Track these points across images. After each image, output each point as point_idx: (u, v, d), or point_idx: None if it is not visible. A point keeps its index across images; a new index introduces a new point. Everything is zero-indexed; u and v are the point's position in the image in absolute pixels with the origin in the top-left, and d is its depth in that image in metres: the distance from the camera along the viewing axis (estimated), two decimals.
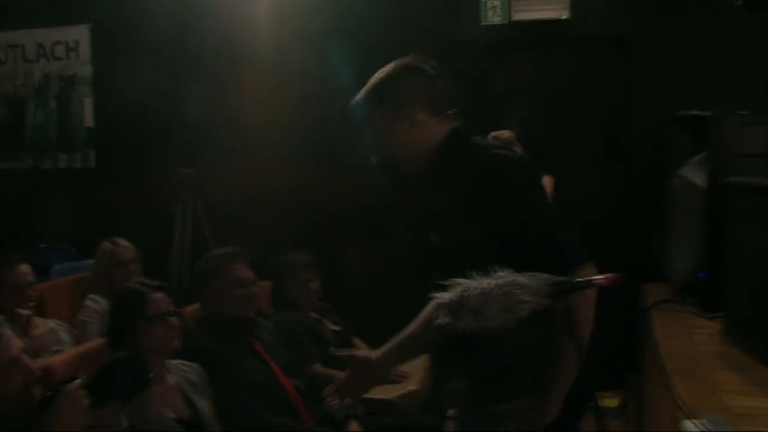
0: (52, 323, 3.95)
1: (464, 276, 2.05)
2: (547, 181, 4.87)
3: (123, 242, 4.35)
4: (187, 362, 3.12)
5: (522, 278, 1.98)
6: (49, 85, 6.55)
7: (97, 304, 4.15)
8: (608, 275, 1.89)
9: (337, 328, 4.25)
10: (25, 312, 3.68)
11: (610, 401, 4.67)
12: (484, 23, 5.31)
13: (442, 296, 2.01)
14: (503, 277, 1.98)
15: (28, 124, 6.65)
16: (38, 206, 6.44)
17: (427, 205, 2.44)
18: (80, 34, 6.40)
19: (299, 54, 5.55)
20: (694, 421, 1.94)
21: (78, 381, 2.14)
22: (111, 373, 2.24)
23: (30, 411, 2.12)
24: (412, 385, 3.90)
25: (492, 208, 2.19)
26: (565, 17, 5.10)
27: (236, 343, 3.33)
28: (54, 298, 4.33)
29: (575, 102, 5.33)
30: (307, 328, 4.03)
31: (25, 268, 3.84)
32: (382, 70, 2.40)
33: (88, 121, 6.42)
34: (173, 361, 3.06)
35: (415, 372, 4.00)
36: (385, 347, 2.42)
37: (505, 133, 4.84)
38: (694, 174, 3.19)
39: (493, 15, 5.28)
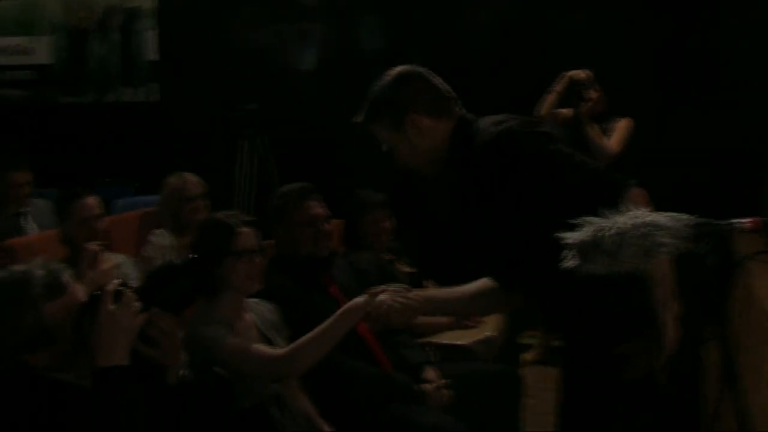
0: (120, 258, 3.86)
1: (530, 257, 1.93)
2: (624, 125, 4.65)
3: (191, 177, 4.24)
4: (262, 300, 2.99)
5: (662, 218, 1.80)
6: (113, 17, 6.42)
7: (161, 239, 4.06)
8: (753, 218, 1.70)
9: (410, 270, 4.10)
10: (93, 248, 3.57)
11: None
12: None
13: (572, 235, 1.86)
14: (640, 216, 1.81)
15: (91, 58, 6.55)
16: (101, 141, 6.39)
17: (460, 206, 2.38)
18: None
19: None
20: None
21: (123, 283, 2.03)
22: (164, 280, 2.09)
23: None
24: (488, 331, 3.75)
25: (518, 183, 2.14)
26: None
27: (310, 282, 3.19)
28: (119, 233, 4.23)
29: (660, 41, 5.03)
30: (379, 268, 3.88)
31: (92, 200, 3.74)
32: (375, 85, 2.37)
33: (152, 54, 6.31)
34: (249, 299, 2.94)
35: (491, 318, 3.84)
36: (430, 294, 2.59)
37: (582, 73, 4.62)
38: None
39: None
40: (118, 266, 3.80)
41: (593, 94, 4.58)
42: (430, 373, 3.28)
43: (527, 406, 3.50)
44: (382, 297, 2.50)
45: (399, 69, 2.37)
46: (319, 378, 3.00)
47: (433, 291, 2.70)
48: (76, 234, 3.68)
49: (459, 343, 3.64)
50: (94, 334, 1.96)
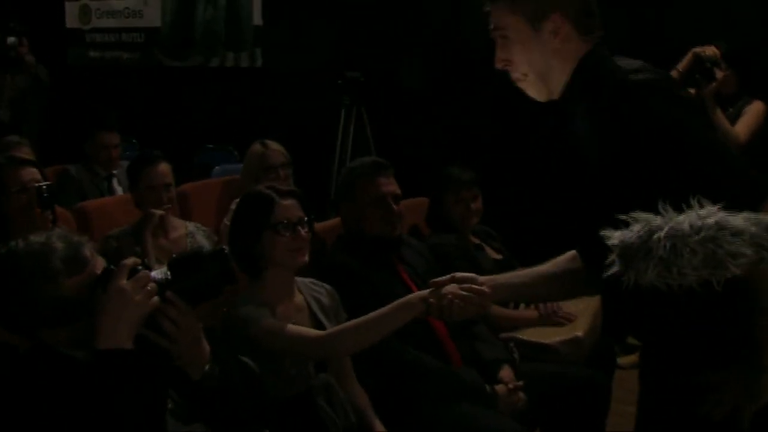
0: (191, 226, 3.72)
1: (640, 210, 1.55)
2: (756, 108, 4.18)
3: (274, 145, 4.07)
4: (319, 282, 2.77)
5: (736, 220, 1.44)
6: None
7: None
8: None
9: (499, 256, 3.77)
10: (159, 212, 3.43)
11: None
12: None
13: (615, 235, 1.52)
14: (706, 215, 1.45)
15: (198, 22, 6.50)
16: (205, 105, 6.35)
17: (564, 140, 1.96)
18: None
19: None
20: None
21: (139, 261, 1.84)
22: (187, 267, 1.87)
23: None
24: (578, 331, 3.35)
25: (641, 148, 1.70)
26: None
27: (376, 264, 2.94)
28: (201, 200, 4.13)
29: None
30: (464, 253, 3.57)
31: (164, 168, 3.59)
32: None
33: (257, 19, 6.20)
34: (303, 279, 2.71)
35: (582, 315, 3.45)
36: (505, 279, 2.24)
37: (709, 50, 4.15)
38: None
39: None
40: (191, 234, 3.67)
41: (720, 74, 4.12)
42: (505, 372, 2.99)
43: (623, 414, 3.11)
44: (447, 289, 2.19)
45: None
46: (378, 368, 2.77)
47: (505, 276, 2.30)
48: (144, 200, 3.56)
49: (542, 341, 3.29)
50: (98, 310, 1.79)
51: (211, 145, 6.17)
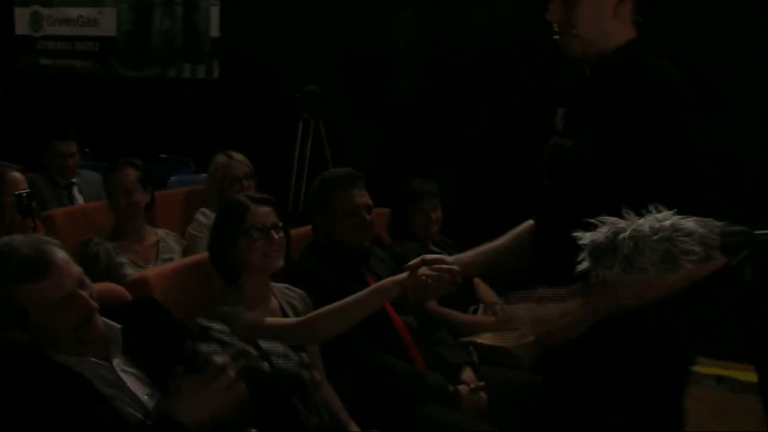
0: (161, 232, 3.84)
1: (611, 213, 1.70)
2: None
3: (238, 156, 4.17)
4: (292, 287, 2.87)
5: (688, 222, 1.61)
6: None
7: (207, 218, 3.99)
8: None
9: None
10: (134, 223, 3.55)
11: None
12: None
13: (586, 235, 1.67)
14: (663, 219, 1.62)
15: (155, 32, 6.53)
16: (161, 116, 6.36)
17: (575, 113, 2.05)
18: None
19: None
20: None
21: None
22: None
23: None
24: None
25: (643, 135, 1.84)
26: None
27: (346, 272, 3.05)
28: (165, 209, 4.19)
29: None
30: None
31: (131, 173, 3.70)
32: None
33: (214, 30, 6.25)
34: (278, 285, 2.82)
35: None
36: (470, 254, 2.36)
37: None
38: None
39: None
40: (162, 240, 3.78)
41: None
42: (467, 374, 3.12)
43: None
44: (420, 271, 2.31)
45: None
46: (347, 370, 2.88)
47: (467, 254, 2.41)
48: (116, 206, 3.65)
49: (502, 344, 3.44)
50: (180, 385, 1.83)
51: (164, 155, 6.18)
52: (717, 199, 1.79)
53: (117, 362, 2.01)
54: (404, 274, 2.34)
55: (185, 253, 3.81)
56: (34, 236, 1.99)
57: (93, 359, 1.98)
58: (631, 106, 1.88)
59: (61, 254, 1.93)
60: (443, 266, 2.30)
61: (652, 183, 1.79)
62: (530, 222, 2.28)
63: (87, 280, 2.00)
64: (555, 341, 1.91)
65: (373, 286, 2.45)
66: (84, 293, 1.94)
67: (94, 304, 1.96)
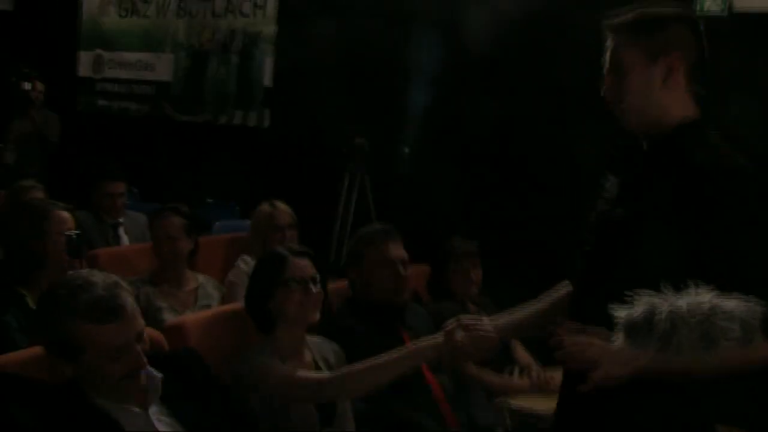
0: (201, 278, 3.87)
1: (650, 288, 1.68)
2: None
3: (282, 206, 4.20)
4: (327, 340, 2.88)
5: (729, 303, 1.58)
6: (234, 40, 6.52)
7: (248, 265, 4.00)
8: None
9: None
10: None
11: None
12: (699, 13, 4.73)
13: (622, 312, 1.65)
14: (702, 298, 1.59)
15: (210, 79, 6.66)
16: (211, 161, 6.45)
17: (629, 184, 2.00)
18: None
19: None
20: None
21: None
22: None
23: None
24: None
25: (696, 219, 1.77)
26: None
27: (381, 328, 3.05)
28: (207, 255, 4.22)
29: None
30: None
31: (176, 220, 3.75)
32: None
33: (267, 80, 6.35)
34: (313, 338, 2.82)
35: None
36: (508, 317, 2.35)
37: None
38: None
39: (711, 4, 4.70)
40: (201, 286, 3.80)
41: None
42: None
43: None
44: (456, 336, 2.30)
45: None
46: (376, 427, 2.86)
47: (505, 316, 2.39)
48: (159, 250, 3.70)
49: (535, 409, 3.39)
50: None
51: (210, 200, 6.25)
52: (761, 287, 1.72)
53: (153, 410, 2.04)
54: (441, 337, 2.32)
55: (224, 299, 3.83)
56: (111, 277, 2.01)
57: (132, 408, 2.00)
58: (686, 186, 1.81)
59: (130, 302, 1.97)
60: (480, 331, 2.27)
61: (697, 264, 1.73)
62: (568, 286, 2.25)
63: (146, 335, 2.03)
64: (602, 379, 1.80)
65: (409, 347, 2.45)
66: (139, 347, 1.97)
67: (146, 360, 1.99)
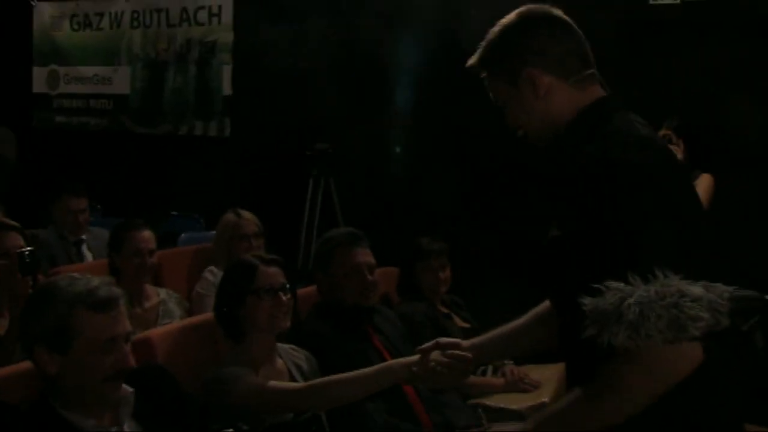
0: (163, 293, 3.77)
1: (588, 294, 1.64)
2: (705, 181, 4.35)
3: (247, 215, 4.15)
4: (297, 348, 2.85)
5: (695, 288, 1.57)
6: (190, 50, 6.47)
7: (214, 276, 3.95)
8: None
9: (466, 325, 3.88)
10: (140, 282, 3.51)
11: None
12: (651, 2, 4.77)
13: (590, 302, 1.63)
14: (669, 284, 1.58)
15: (168, 90, 6.60)
16: (172, 173, 6.39)
17: (546, 192, 2.01)
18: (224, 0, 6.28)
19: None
20: None
21: None
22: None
23: None
24: (543, 397, 3.48)
25: (596, 209, 1.68)
26: None
27: (351, 332, 3.03)
28: (172, 267, 4.16)
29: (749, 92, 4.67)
30: (433, 321, 3.68)
31: (147, 234, 3.66)
32: (497, 24, 1.91)
33: (226, 89, 6.31)
34: (284, 345, 2.79)
35: (548, 382, 3.58)
36: (484, 339, 2.21)
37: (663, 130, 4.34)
38: None
39: None
40: (163, 302, 3.72)
41: (673, 147, 4.30)
42: None
43: None
44: (431, 357, 2.21)
45: (528, 8, 1.91)
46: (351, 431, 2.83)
47: (484, 337, 2.25)
48: (125, 266, 3.61)
49: (510, 407, 3.39)
50: None
51: (175, 213, 6.19)
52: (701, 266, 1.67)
53: (127, 425, 2.03)
54: (416, 357, 2.25)
55: (192, 311, 3.77)
56: (106, 279, 2.08)
57: (100, 424, 1.99)
58: (576, 186, 1.74)
59: (123, 301, 2.04)
60: (456, 352, 2.18)
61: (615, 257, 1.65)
62: (546, 304, 2.12)
63: (131, 340, 2.07)
64: None
65: (383, 365, 2.41)
66: (127, 348, 2.01)
67: (133, 361, 2.03)
